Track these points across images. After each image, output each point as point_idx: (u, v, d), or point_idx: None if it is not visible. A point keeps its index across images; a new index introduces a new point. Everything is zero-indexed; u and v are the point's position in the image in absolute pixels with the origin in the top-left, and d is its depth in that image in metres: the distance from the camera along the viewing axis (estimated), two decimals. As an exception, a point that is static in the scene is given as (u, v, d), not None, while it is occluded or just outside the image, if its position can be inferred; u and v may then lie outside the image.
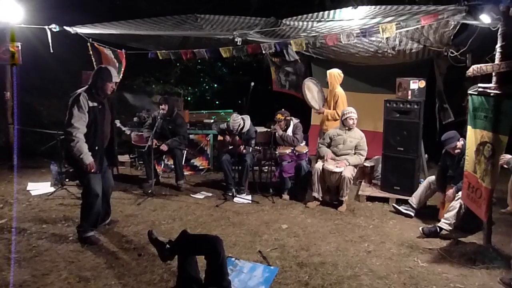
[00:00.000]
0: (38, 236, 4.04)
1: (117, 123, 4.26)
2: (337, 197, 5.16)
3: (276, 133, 5.64)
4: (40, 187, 5.66)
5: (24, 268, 3.38)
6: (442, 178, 4.57)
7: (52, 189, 5.55)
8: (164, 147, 5.74)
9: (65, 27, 5.39)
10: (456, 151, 4.34)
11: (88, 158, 3.72)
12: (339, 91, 5.78)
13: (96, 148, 3.83)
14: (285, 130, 5.70)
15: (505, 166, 3.92)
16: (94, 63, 6.07)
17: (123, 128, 4.66)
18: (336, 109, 5.72)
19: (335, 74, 5.80)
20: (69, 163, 4.47)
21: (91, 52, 6.03)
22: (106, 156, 4.07)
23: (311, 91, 5.88)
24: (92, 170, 3.77)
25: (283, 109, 5.77)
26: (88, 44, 5.96)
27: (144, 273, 3.35)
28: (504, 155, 3.43)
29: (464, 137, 4.03)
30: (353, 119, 5.20)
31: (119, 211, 4.88)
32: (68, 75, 4.62)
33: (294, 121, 5.77)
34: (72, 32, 5.48)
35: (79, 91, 3.77)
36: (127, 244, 3.92)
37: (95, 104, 3.79)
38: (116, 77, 3.93)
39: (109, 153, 4.14)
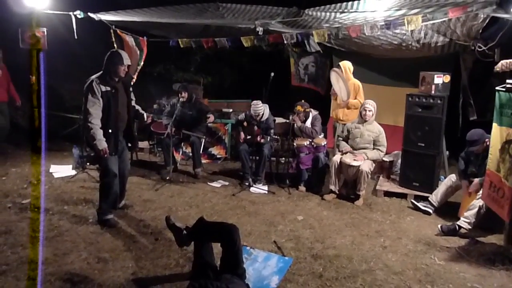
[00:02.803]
0: (59, 217, 4.16)
1: (139, 108, 4.34)
2: (354, 191, 5.12)
3: (295, 124, 5.62)
4: (62, 170, 5.80)
5: (46, 247, 3.49)
6: (464, 171, 4.49)
7: (74, 172, 5.69)
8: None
9: (89, 13, 5.46)
10: (478, 152, 4.26)
11: (101, 144, 3.81)
12: (356, 81, 5.72)
13: (110, 131, 3.91)
14: (304, 122, 5.67)
15: None
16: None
17: (141, 111, 4.74)
18: (358, 98, 5.67)
19: (348, 66, 5.75)
20: (88, 146, 4.60)
21: (113, 39, 6.09)
22: (126, 139, 4.19)
23: (338, 81, 5.81)
24: (106, 155, 3.86)
25: (302, 101, 5.73)
26: (111, 31, 6.02)
27: (160, 257, 3.41)
28: None
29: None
30: (370, 111, 5.12)
31: (137, 195, 4.97)
32: (92, 60, 4.68)
33: (313, 112, 5.73)
34: (96, 19, 5.54)
35: (92, 77, 3.87)
36: (145, 229, 4.00)
37: (108, 88, 3.87)
38: (128, 60, 3.99)
39: (128, 136, 4.25)
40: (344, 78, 5.66)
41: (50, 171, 5.73)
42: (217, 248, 2.97)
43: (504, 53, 4.39)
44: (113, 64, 3.88)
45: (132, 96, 4.30)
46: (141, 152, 7.08)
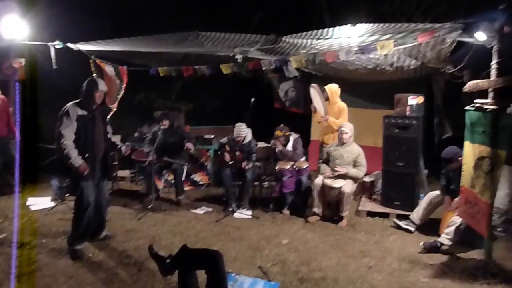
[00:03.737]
0: (38, 251, 4.04)
1: (116, 140, 4.36)
2: (337, 212, 5.16)
3: (276, 148, 5.68)
4: (40, 202, 5.67)
5: (24, 283, 3.37)
6: (446, 186, 4.60)
7: (53, 204, 5.56)
8: (190, 146, 5.91)
9: (68, 44, 5.47)
10: (452, 168, 4.42)
11: (77, 161, 3.84)
12: (342, 104, 5.84)
13: (87, 155, 3.92)
14: (285, 145, 5.73)
15: None
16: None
17: (117, 143, 4.72)
18: (340, 119, 5.79)
19: (334, 89, 5.87)
20: (66, 173, 4.52)
21: (93, 69, 6.11)
22: (101, 168, 4.15)
23: (316, 97, 5.93)
24: (86, 172, 3.86)
25: (282, 125, 5.82)
26: (90, 61, 6.04)
27: (144, 288, 3.34)
28: None
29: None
30: (346, 133, 5.23)
31: (119, 225, 4.88)
32: (71, 90, 4.67)
33: (294, 136, 5.81)
34: (75, 49, 5.56)
35: (69, 103, 3.95)
36: (127, 259, 3.91)
37: (85, 112, 3.94)
38: (104, 87, 4.08)
39: (104, 165, 4.21)
40: (321, 95, 5.80)
41: (27, 204, 5.59)
42: (202, 276, 2.93)
43: (472, 74, 4.59)
44: (88, 91, 3.97)
45: (109, 129, 4.34)
46: (122, 181, 6.99)
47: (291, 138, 5.76)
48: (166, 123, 5.86)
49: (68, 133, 3.84)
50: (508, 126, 3.28)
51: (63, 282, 3.41)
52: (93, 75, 6.11)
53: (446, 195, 4.60)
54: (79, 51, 5.65)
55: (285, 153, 5.66)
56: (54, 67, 5.43)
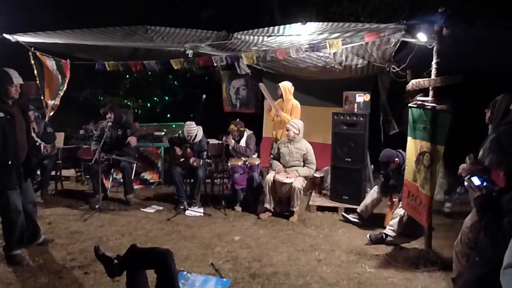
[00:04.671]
0: (-29, 258, 3.74)
1: (34, 136, 3.88)
2: (288, 208, 5.24)
3: (229, 144, 5.66)
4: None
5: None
6: (385, 186, 4.81)
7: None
8: (133, 140, 5.60)
9: (4, 34, 5.11)
10: (391, 169, 4.68)
11: None
12: (295, 102, 5.93)
13: (10, 162, 3.51)
14: (239, 141, 5.73)
15: (463, 174, 3.76)
16: (36, 73, 5.80)
17: (36, 139, 4.34)
18: (292, 116, 5.88)
19: (288, 87, 5.94)
20: None
21: (32, 62, 5.74)
22: (23, 168, 3.74)
23: (267, 94, 5.99)
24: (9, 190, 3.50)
25: (237, 119, 5.82)
26: (30, 53, 5.67)
27: (90, 292, 3.20)
28: (462, 164, 3.60)
29: (404, 148, 4.28)
30: (290, 130, 5.30)
31: (64, 228, 4.64)
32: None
33: (248, 132, 5.83)
34: (13, 40, 5.20)
35: None
36: (72, 262, 3.73)
37: (2, 114, 3.46)
38: (18, 78, 3.58)
39: (26, 166, 3.79)
40: (267, 93, 5.88)
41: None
42: (151, 276, 2.85)
43: (414, 73, 4.85)
44: (0, 85, 3.49)
45: (29, 120, 3.93)
46: (67, 181, 6.65)
47: (245, 134, 5.77)
48: (111, 116, 5.61)
49: None
50: (445, 123, 3.49)
51: (-1, 290, 3.19)
52: (34, 68, 5.76)
53: (384, 196, 4.82)
54: (17, 42, 5.28)
55: (238, 149, 5.66)
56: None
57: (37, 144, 3.89)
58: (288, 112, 5.80)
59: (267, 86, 6.33)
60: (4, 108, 3.50)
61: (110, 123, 5.58)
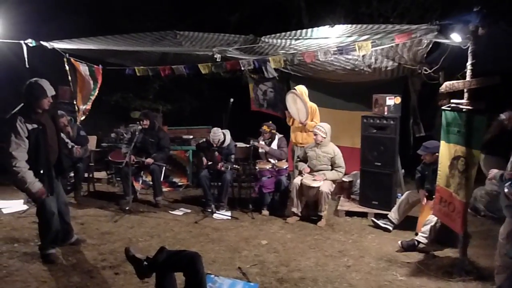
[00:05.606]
0: (9, 256, 3.89)
1: (65, 137, 4.05)
2: (316, 212, 5.17)
3: (262, 149, 5.61)
4: (12, 205, 5.47)
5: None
6: (420, 179, 4.69)
7: (25, 207, 5.37)
8: (149, 161, 5.67)
9: (41, 42, 5.31)
10: (424, 159, 4.56)
11: (34, 186, 3.54)
12: (312, 104, 5.90)
13: (42, 171, 3.61)
14: (270, 144, 5.72)
15: (493, 180, 3.53)
16: (70, 79, 6.00)
17: (66, 140, 4.51)
18: (314, 120, 5.84)
19: (304, 90, 5.93)
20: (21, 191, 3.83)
21: (67, 68, 5.94)
22: (55, 171, 3.85)
23: (296, 103, 5.94)
24: (43, 196, 3.61)
25: (270, 122, 5.82)
26: (65, 59, 5.88)
27: (120, 292, 3.26)
28: (492, 169, 3.51)
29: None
30: (318, 134, 5.25)
31: (95, 228, 4.75)
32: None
33: (279, 135, 5.81)
34: (49, 47, 5.40)
35: (14, 113, 3.55)
36: (103, 262, 3.81)
37: (35, 125, 3.55)
38: (51, 90, 3.68)
39: (59, 168, 3.92)
40: (303, 99, 5.82)
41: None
42: (180, 278, 2.88)
43: (448, 75, 4.69)
44: (35, 98, 3.59)
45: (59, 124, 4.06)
46: (99, 183, 6.83)
47: (276, 137, 5.75)
48: (146, 123, 5.76)
49: (20, 153, 3.47)
50: (481, 126, 3.35)
51: (35, 287, 3.29)
52: (68, 74, 5.96)
53: (420, 189, 4.67)
54: (53, 49, 5.48)
55: (273, 153, 5.63)
56: (27, 65, 5.25)
57: (70, 147, 4.03)
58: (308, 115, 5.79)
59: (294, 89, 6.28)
60: (36, 119, 3.59)
61: (140, 128, 5.71)
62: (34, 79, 3.70)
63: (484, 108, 3.55)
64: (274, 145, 5.72)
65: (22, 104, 3.63)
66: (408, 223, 4.87)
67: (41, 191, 3.58)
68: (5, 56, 5.51)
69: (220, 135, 5.50)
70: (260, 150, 5.69)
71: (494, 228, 4.41)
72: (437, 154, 4.34)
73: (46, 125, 3.69)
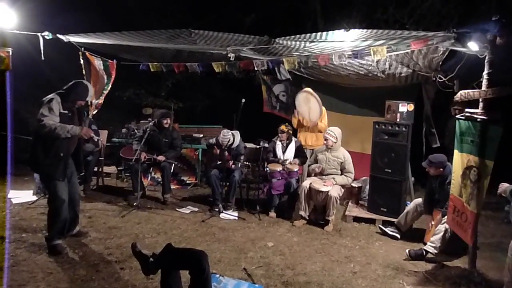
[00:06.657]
0: (17, 246, 3.93)
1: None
2: (323, 217, 5.14)
3: (317, 169, 5.42)
4: (22, 195, 5.53)
5: (0, 278, 3.26)
6: (429, 201, 4.59)
7: (34, 198, 5.43)
8: (161, 158, 5.72)
9: (58, 35, 5.36)
10: (429, 172, 4.51)
11: (76, 129, 3.79)
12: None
13: (61, 154, 3.82)
14: (287, 145, 5.69)
15: (503, 194, 3.56)
16: (84, 72, 6.05)
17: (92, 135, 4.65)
18: (323, 122, 5.83)
19: (312, 92, 5.91)
20: (34, 169, 4.35)
21: (82, 61, 6.00)
22: (73, 163, 4.10)
23: (309, 102, 5.91)
24: (92, 135, 3.93)
25: (287, 123, 5.80)
26: (80, 53, 5.93)
27: (125, 287, 3.25)
28: (502, 184, 3.46)
29: (451, 161, 4.09)
30: (328, 139, 5.24)
31: (102, 222, 4.78)
32: (59, 82, 4.53)
33: (294, 138, 5.79)
34: (65, 40, 5.45)
35: (52, 95, 3.83)
36: (109, 257, 3.83)
37: (66, 111, 3.87)
38: (91, 97, 4.11)
39: (75, 160, 4.15)
40: (317, 97, 5.79)
41: (9, 196, 5.45)
42: (185, 276, 2.87)
43: (463, 84, 4.62)
44: (76, 94, 3.94)
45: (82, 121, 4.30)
46: (108, 178, 6.87)
47: (293, 141, 5.72)
48: (167, 122, 5.84)
49: (52, 116, 3.74)
50: (496, 137, 3.30)
51: (41, 278, 3.32)
52: (82, 67, 6.01)
53: (427, 213, 4.59)
54: (69, 42, 5.54)
55: (294, 162, 5.60)
56: (43, 58, 5.30)
57: (96, 140, 4.27)
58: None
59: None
60: (68, 107, 3.90)
61: (151, 124, 5.75)
62: (85, 81, 4.30)
63: (499, 118, 3.50)
64: (292, 147, 5.68)
65: (62, 91, 3.91)
66: (416, 231, 4.83)
67: (85, 130, 3.87)
68: (22, 47, 5.58)
69: (229, 137, 5.49)
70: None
71: (505, 240, 4.32)
72: (441, 169, 4.32)
73: (74, 116, 4.00)
